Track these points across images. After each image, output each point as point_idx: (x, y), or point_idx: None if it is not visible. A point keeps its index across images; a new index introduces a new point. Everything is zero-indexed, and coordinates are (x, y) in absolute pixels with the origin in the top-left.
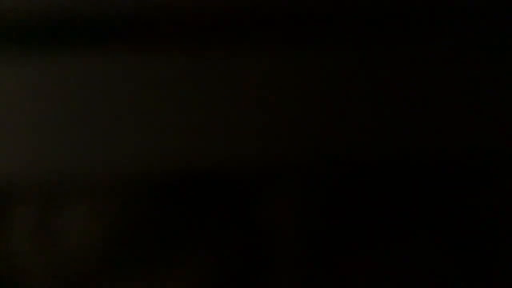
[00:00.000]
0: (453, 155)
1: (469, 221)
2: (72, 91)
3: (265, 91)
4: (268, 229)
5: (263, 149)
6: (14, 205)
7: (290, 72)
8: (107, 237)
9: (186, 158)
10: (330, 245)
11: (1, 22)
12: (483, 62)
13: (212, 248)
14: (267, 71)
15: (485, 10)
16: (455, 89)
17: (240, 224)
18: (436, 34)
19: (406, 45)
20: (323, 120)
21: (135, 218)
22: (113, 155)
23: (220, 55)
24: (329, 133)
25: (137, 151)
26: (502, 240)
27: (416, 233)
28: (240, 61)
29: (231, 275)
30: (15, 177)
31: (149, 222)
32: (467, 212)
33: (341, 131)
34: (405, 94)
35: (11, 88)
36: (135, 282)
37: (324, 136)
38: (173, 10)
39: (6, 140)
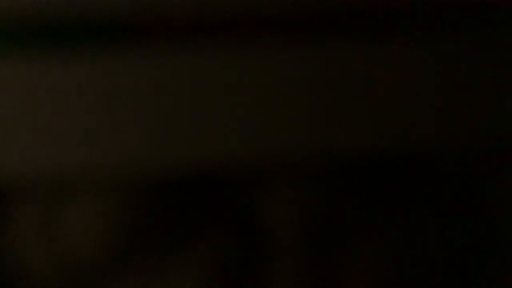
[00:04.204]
0: (452, 154)
1: (468, 220)
2: (73, 91)
3: (264, 91)
4: (267, 229)
5: (262, 149)
6: (16, 205)
7: (289, 72)
8: (109, 237)
9: (186, 158)
10: (330, 244)
11: (1, 22)
12: (483, 61)
13: (211, 248)
14: (266, 71)
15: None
16: (455, 88)
17: (239, 224)
18: (436, 33)
19: (405, 44)
20: (323, 119)
21: (136, 218)
22: (113, 155)
23: (219, 55)
24: (329, 132)
25: (138, 151)
26: (501, 240)
27: (416, 232)
28: (239, 61)
29: (231, 275)
30: (17, 176)
31: (151, 222)
32: (466, 211)
33: (341, 130)
34: (405, 93)
35: (11, 88)
36: (137, 282)
37: (323, 135)
38: (173, 10)
39: (7, 140)
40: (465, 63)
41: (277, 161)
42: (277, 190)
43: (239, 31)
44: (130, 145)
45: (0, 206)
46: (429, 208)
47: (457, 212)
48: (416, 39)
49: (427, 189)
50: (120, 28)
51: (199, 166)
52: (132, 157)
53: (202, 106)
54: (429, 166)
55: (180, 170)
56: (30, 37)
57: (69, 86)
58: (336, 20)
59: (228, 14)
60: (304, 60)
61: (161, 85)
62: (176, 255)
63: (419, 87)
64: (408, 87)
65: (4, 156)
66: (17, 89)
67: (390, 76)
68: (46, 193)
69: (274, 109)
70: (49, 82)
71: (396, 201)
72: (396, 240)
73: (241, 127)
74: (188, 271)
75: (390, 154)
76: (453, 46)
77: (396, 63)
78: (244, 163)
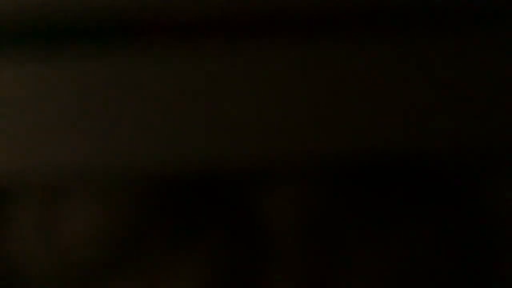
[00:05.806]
0: (451, 154)
1: (468, 220)
2: (73, 91)
3: (264, 91)
4: (268, 229)
5: (262, 149)
6: (16, 205)
7: (288, 72)
8: (108, 237)
9: (186, 158)
10: (330, 244)
11: (1, 22)
12: (483, 61)
13: (211, 248)
14: (266, 71)
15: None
16: (455, 88)
17: (239, 224)
18: (436, 33)
19: (404, 44)
20: (323, 119)
21: (136, 218)
22: (112, 155)
23: (219, 55)
24: (329, 132)
25: (138, 151)
26: (501, 240)
27: (415, 232)
28: (239, 61)
29: (231, 275)
30: (17, 177)
31: (150, 222)
32: (465, 211)
33: (340, 130)
34: (404, 93)
35: (11, 88)
36: (136, 282)
37: (323, 135)
38: (173, 10)
39: (6, 140)
40: (465, 63)
41: (277, 161)
42: (277, 190)
43: (239, 31)
44: (130, 145)
45: None
46: (429, 208)
47: (456, 212)
48: (416, 39)
49: (426, 189)
50: (120, 28)
51: (199, 166)
52: (132, 157)
53: (202, 106)
54: (428, 166)
55: (181, 170)
56: (30, 37)
57: (68, 86)
58: (336, 20)
59: (228, 14)
60: (304, 60)
61: (161, 85)
62: (176, 255)
63: (419, 87)
64: (408, 87)
65: (3, 156)
66: (16, 89)
67: (390, 76)
68: (46, 193)
69: (274, 109)
70: (48, 82)
71: (396, 201)
72: (396, 240)
73: (241, 127)
74: (188, 271)
75: (389, 154)
76: (453, 46)
77: (396, 63)
78: (244, 163)
